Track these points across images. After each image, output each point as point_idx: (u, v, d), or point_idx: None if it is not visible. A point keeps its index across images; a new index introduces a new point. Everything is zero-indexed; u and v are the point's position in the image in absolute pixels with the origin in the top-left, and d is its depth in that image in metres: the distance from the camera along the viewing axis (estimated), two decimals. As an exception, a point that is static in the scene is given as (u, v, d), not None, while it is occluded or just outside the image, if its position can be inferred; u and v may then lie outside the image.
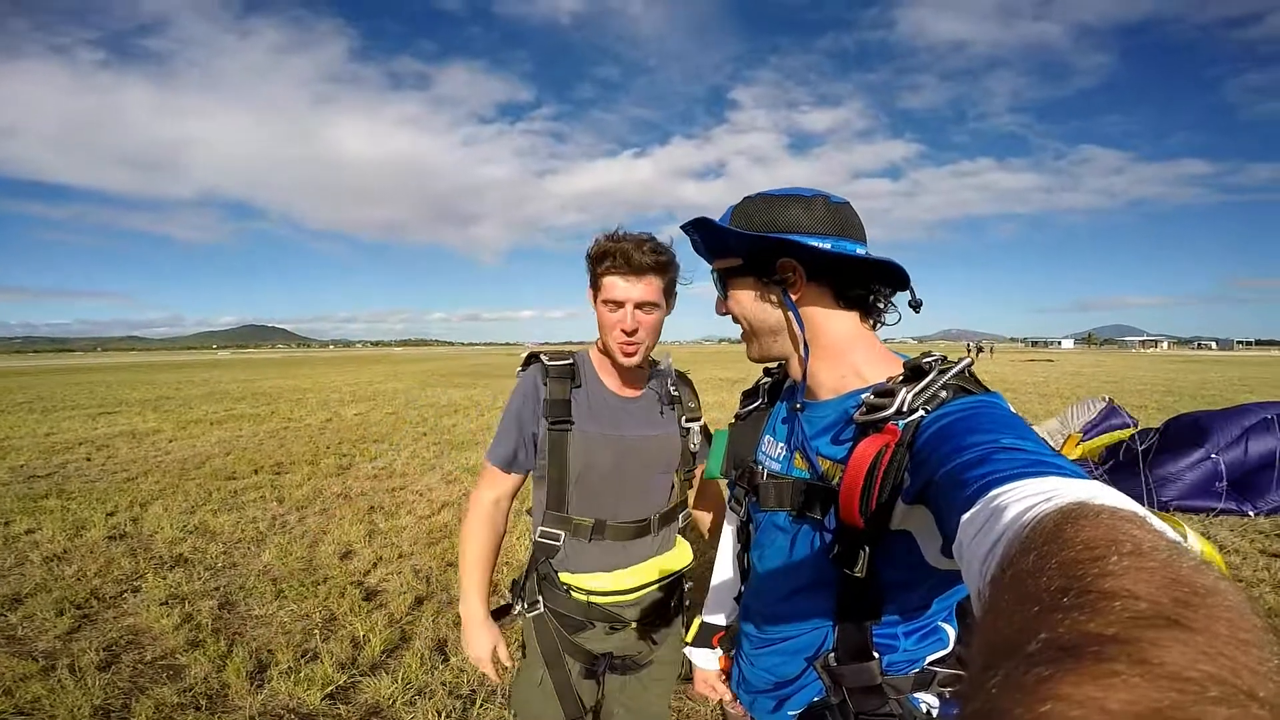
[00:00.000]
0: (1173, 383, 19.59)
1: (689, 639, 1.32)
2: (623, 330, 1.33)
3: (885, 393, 0.79)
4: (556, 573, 1.46)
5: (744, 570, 1.14)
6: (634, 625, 1.50)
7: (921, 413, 0.75)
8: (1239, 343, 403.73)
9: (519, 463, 1.45)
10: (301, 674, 2.66)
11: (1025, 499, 0.44)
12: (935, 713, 0.92)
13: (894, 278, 0.89)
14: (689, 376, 1.64)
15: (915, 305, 0.90)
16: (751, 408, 1.13)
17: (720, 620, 1.29)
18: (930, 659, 0.90)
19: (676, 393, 1.54)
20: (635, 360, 1.39)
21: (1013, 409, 0.72)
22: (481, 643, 1.46)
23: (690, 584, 1.64)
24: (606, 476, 1.43)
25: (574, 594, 1.46)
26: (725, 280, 0.97)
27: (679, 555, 1.56)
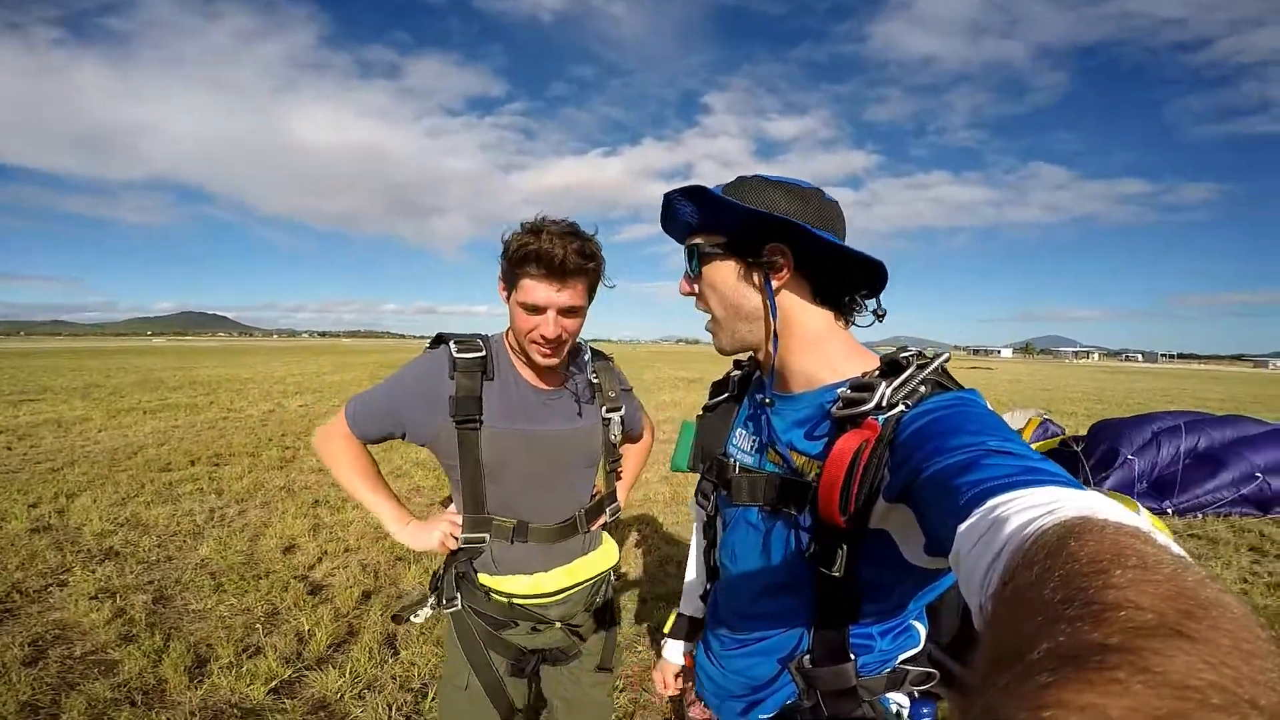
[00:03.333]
0: (1102, 391, 20.71)
1: (666, 630, 1.29)
2: (544, 336, 1.24)
3: (863, 386, 0.76)
4: (476, 573, 1.40)
5: (711, 567, 1.08)
6: (558, 625, 1.44)
7: (902, 408, 0.72)
8: (1163, 356, 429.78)
9: (370, 437, 1.40)
10: (244, 669, 2.59)
11: (1026, 511, 0.43)
12: (905, 713, 0.91)
13: (871, 280, 0.85)
14: (612, 362, 1.55)
15: (879, 315, 0.88)
16: (721, 399, 1.08)
17: (697, 614, 1.26)
18: (902, 658, 0.88)
19: (598, 380, 1.46)
20: (554, 362, 1.30)
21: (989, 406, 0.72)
22: (426, 534, 1.37)
23: (615, 577, 1.62)
24: (523, 474, 1.35)
25: (494, 596, 1.39)
26: (703, 258, 0.89)
27: (604, 555, 1.51)
